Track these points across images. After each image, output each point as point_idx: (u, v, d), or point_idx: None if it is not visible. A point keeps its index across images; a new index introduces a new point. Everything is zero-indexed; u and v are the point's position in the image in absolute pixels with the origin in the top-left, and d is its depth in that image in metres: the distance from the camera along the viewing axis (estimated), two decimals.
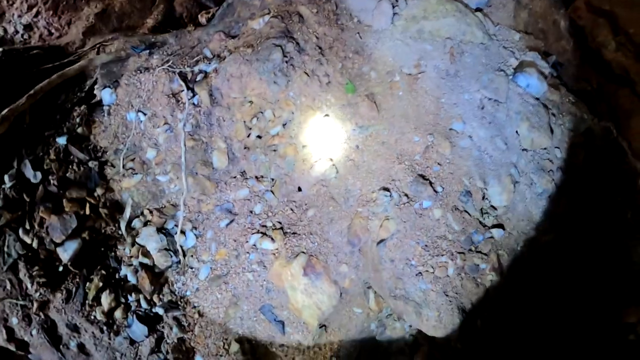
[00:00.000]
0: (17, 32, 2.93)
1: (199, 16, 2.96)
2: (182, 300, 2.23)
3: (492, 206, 2.09)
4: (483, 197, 2.04)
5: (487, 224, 2.04)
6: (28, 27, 2.95)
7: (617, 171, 2.57)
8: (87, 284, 2.25)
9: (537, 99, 2.42)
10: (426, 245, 1.86)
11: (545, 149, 2.34)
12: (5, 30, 2.91)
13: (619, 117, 2.58)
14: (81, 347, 2.27)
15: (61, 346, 2.25)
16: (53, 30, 2.99)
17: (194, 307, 2.20)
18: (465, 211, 1.97)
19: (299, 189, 2.13)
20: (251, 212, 2.13)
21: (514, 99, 2.29)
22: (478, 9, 2.67)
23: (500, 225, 2.10)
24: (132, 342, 2.26)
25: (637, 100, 2.46)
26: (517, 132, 2.26)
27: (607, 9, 2.55)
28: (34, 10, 2.92)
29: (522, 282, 2.20)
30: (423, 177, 1.97)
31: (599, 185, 2.54)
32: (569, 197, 2.38)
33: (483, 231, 2.01)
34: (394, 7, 2.41)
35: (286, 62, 2.13)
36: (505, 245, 2.12)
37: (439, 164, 2.00)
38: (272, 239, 2.06)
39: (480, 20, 2.51)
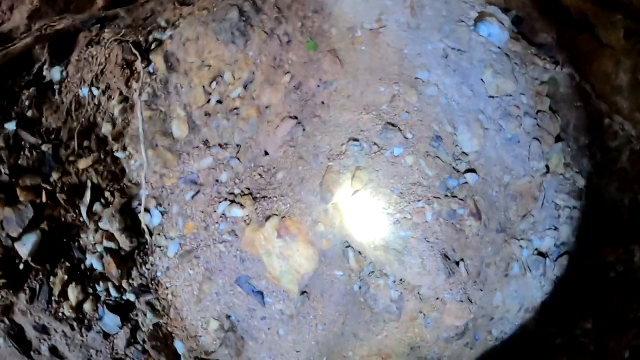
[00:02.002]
0: None
1: None
2: (153, 282, 2.09)
3: (463, 152, 2.07)
4: (454, 143, 2.02)
5: (460, 169, 2.02)
6: None
7: (583, 114, 2.63)
8: (52, 278, 2.07)
9: (500, 47, 2.43)
10: (401, 193, 1.81)
11: (510, 95, 2.35)
12: None
13: (580, 62, 2.63)
14: (53, 350, 2.08)
15: (32, 352, 2.05)
16: None
17: (166, 287, 2.07)
18: (437, 157, 1.94)
19: (266, 153, 2.05)
20: (217, 181, 2.03)
21: (477, 48, 2.29)
22: None
23: (473, 170, 2.08)
24: (106, 335, 2.10)
25: (597, 43, 2.51)
26: (482, 79, 2.26)
27: None
28: None
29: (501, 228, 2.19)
30: (392, 124, 1.92)
31: (566, 130, 2.58)
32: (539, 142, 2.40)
33: (457, 176, 1.98)
34: None
35: (244, 21, 2.05)
36: (481, 190, 2.10)
37: (407, 111, 1.96)
38: (241, 205, 1.96)
39: None
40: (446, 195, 1.91)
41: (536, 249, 2.27)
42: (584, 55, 2.54)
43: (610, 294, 2.21)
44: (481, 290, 2.05)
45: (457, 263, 1.90)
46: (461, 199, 1.96)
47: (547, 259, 2.29)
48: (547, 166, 2.37)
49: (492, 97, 2.27)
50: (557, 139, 2.51)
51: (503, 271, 2.17)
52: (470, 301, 1.96)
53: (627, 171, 2.48)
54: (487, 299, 2.10)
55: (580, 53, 2.56)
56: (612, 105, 2.45)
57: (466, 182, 2.01)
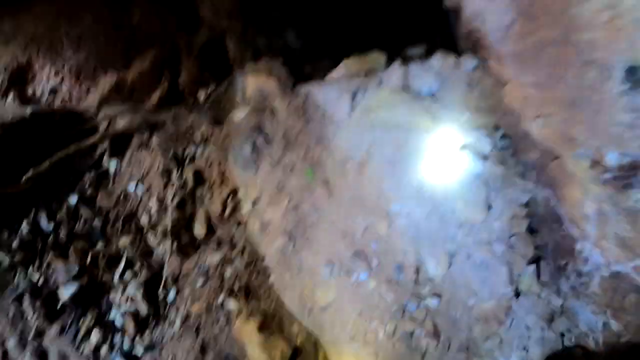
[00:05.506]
0: (43, 93, 3.46)
1: (199, 92, 3.50)
2: (159, 344, 2.61)
3: (428, 278, 2.40)
4: (417, 270, 2.36)
5: (422, 293, 2.34)
6: (53, 91, 3.47)
7: (559, 236, 2.80)
8: (81, 320, 2.64)
9: (476, 175, 2.72)
10: (360, 312, 2.19)
11: (483, 222, 2.62)
12: (34, 92, 3.45)
13: (555, 186, 2.77)
14: None
15: None
16: (74, 95, 3.52)
17: (169, 350, 2.58)
18: (398, 283, 2.30)
19: (263, 259, 2.54)
20: (222, 275, 2.54)
21: (452, 178, 2.60)
22: (429, 95, 3.07)
23: (437, 295, 2.38)
24: None
25: (566, 171, 2.66)
26: (453, 209, 2.58)
27: (529, 93, 2.78)
28: (60, 76, 3.47)
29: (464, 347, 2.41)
30: (361, 252, 2.33)
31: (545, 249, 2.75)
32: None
33: (417, 301, 2.31)
34: (353, 99, 2.85)
35: (256, 153, 2.60)
36: (443, 312, 2.38)
37: (376, 241, 2.36)
38: (236, 300, 2.45)
39: (426, 108, 2.90)
40: (403, 318, 2.25)
41: None
42: (557, 182, 2.71)
43: None
44: None
45: None
46: (419, 321, 2.29)
47: None
48: (516, 289, 2.48)
49: (463, 225, 2.58)
50: (533, 259, 2.61)
51: None
52: None
53: (598, 296, 2.61)
54: None
55: (554, 178, 2.73)
56: (582, 232, 2.60)
57: (427, 305, 2.32)
